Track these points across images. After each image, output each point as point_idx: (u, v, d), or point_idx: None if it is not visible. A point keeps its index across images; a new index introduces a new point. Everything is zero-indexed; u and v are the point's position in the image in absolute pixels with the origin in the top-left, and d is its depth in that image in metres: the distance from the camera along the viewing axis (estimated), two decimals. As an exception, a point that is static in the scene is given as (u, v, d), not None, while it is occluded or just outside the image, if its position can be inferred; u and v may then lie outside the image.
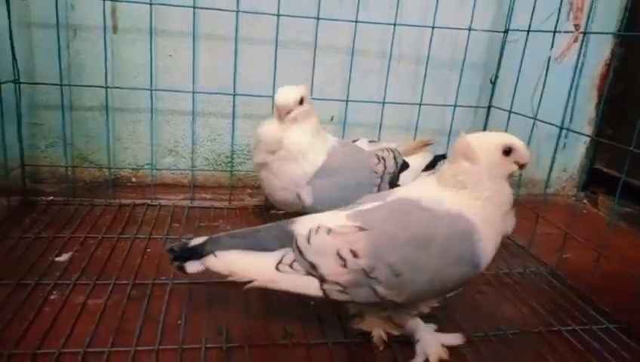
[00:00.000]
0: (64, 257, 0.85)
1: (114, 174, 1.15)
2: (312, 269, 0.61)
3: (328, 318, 0.74)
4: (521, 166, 0.66)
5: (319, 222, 0.64)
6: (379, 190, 0.94)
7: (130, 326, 0.69)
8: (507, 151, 0.64)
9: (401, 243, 0.60)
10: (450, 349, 0.68)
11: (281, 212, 1.06)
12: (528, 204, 1.17)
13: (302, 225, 0.65)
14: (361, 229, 0.61)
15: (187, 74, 1.07)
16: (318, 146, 0.92)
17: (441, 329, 0.72)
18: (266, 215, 1.10)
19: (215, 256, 0.63)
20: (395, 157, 0.98)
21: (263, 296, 0.78)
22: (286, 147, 0.89)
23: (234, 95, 1.09)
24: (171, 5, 1.02)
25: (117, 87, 1.07)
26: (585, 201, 1.42)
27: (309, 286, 0.61)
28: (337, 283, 0.61)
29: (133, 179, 1.17)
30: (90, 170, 1.14)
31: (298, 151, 0.89)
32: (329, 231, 0.62)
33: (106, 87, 1.03)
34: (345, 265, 0.60)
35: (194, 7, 1.02)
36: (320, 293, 0.61)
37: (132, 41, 1.07)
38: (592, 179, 1.44)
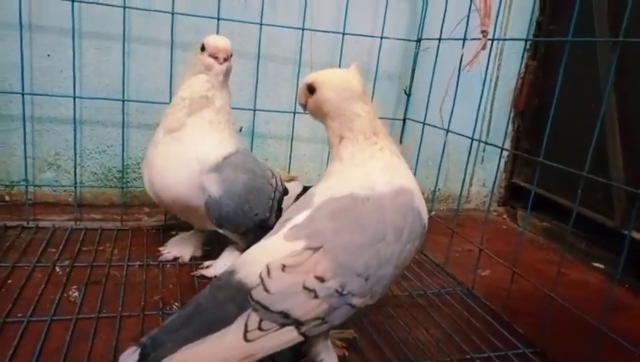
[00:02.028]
0: None
1: (-18, 192, 0.99)
2: (284, 319, 0.51)
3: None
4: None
5: (264, 261, 0.53)
6: (272, 205, 0.86)
7: (-40, 377, 0.56)
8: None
9: (362, 247, 0.53)
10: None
11: (180, 234, 0.95)
12: (446, 219, 1.13)
13: (248, 272, 0.53)
14: (315, 249, 0.53)
15: (69, 76, 0.94)
16: (232, 125, 0.84)
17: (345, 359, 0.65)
18: (163, 237, 0.97)
19: None
20: (280, 179, 0.92)
21: (136, 335, 0.66)
22: (215, 104, 0.79)
23: (123, 101, 0.97)
24: (45, -3, 0.89)
25: (-19, 91, 0.92)
26: (505, 216, 1.40)
27: (288, 339, 0.51)
28: (316, 319, 0.52)
29: (7, 198, 1.01)
30: (-49, 187, 0.98)
31: (226, 112, 0.81)
32: (283, 267, 0.52)
33: (-34, 90, 0.89)
34: (316, 296, 0.51)
35: (72, 1, 0.90)
36: (300, 338, 0.52)
37: (0, 37, 0.93)
38: (512, 194, 1.42)
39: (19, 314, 0.68)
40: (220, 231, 0.83)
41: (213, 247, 0.92)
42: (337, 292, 0.52)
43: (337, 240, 0.53)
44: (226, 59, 0.78)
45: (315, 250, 0.53)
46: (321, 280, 0.51)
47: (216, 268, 0.86)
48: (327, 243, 0.53)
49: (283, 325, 0.51)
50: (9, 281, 0.77)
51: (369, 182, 0.57)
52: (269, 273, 0.52)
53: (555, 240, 1.21)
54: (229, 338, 0.50)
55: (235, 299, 0.52)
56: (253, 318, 0.50)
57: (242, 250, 0.89)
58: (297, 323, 0.51)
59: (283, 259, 0.52)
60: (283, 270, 0.52)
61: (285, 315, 0.51)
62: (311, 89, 0.61)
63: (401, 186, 0.57)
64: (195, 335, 0.49)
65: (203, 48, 0.78)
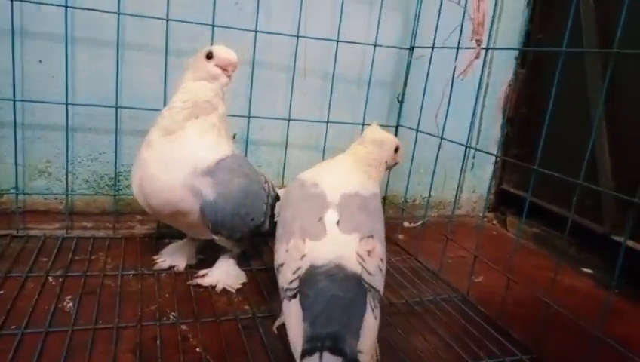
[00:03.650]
0: None
1: (-30, 200, 0.97)
2: (379, 296, 0.60)
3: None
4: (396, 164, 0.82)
5: (349, 251, 0.60)
6: (266, 210, 0.86)
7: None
8: (396, 149, 0.79)
9: (383, 232, 0.68)
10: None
11: (173, 243, 0.95)
12: (438, 225, 1.14)
13: (349, 261, 0.59)
14: (370, 237, 0.63)
15: (61, 83, 0.93)
16: (228, 132, 0.85)
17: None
18: (156, 245, 0.96)
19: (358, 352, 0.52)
20: (273, 186, 0.92)
21: (134, 346, 0.66)
22: (218, 111, 0.80)
23: (117, 107, 0.96)
24: (38, 3, 0.88)
25: (-30, 97, 0.90)
26: (494, 222, 1.42)
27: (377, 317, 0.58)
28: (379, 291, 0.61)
29: (-4, 206, 1.00)
30: (-61, 196, 0.95)
31: (225, 120, 0.82)
32: (368, 253, 0.61)
33: (-44, 97, 0.87)
34: (382, 273, 0.63)
35: (66, 7, 0.89)
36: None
37: (-9, 44, 0.91)
38: (501, 200, 1.44)
39: (12, 326, 0.67)
40: (215, 237, 0.82)
41: (207, 256, 0.92)
42: (381, 268, 0.62)
43: (374, 229, 0.65)
44: (233, 72, 0.79)
45: (370, 237, 0.63)
46: (382, 260, 0.63)
47: (211, 276, 0.85)
48: (373, 232, 0.64)
49: (379, 301, 0.59)
50: (1, 292, 0.75)
51: (365, 185, 0.72)
52: (363, 259, 0.60)
53: (545, 246, 1.23)
54: (371, 320, 0.56)
55: (356, 284, 0.57)
56: (371, 298, 0.57)
57: (236, 258, 0.89)
58: (379, 296, 0.60)
59: (362, 247, 0.61)
60: (369, 255, 0.61)
61: (379, 292, 0.60)
62: None
63: (377, 192, 0.74)
64: (355, 321, 0.54)
65: (209, 56, 0.78)
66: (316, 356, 0.49)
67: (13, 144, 0.93)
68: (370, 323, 0.55)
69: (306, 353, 0.50)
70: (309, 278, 0.57)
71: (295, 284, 0.58)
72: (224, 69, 0.78)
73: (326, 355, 0.49)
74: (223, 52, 0.78)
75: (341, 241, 0.61)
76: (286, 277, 0.59)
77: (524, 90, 1.35)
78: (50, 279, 0.80)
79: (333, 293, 0.55)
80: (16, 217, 0.96)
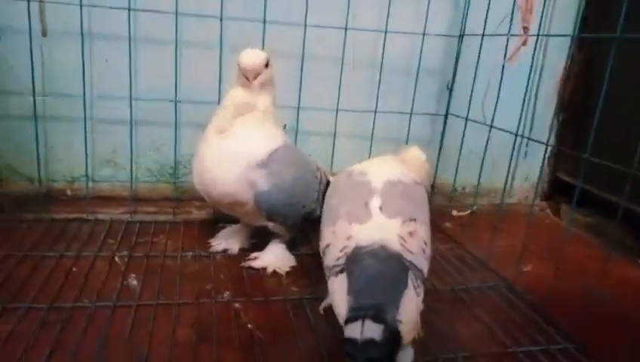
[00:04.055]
0: (-26, 279, 0.77)
1: (47, 187, 1.07)
2: (422, 276, 0.61)
3: (266, 341, 0.68)
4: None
5: (392, 233, 0.62)
6: (317, 198, 0.89)
7: (36, 356, 0.61)
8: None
9: (423, 214, 0.69)
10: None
11: (228, 227, 1.00)
12: (488, 214, 1.13)
13: (392, 242, 0.61)
14: (413, 220, 0.65)
15: (125, 80, 1.00)
16: (278, 123, 0.88)
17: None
18: (212, 229, 1.02)
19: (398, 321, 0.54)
20: (325, 173, 0.95)
21: (192, 321, 0.71)
22: (259, 108, 0.83)
23: (175, 102, 1.02)
24: (104, 7, 0.95)
25: (46, 95, 0.99)
26: (547, 211, 1.38)
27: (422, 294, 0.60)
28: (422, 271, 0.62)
29: (69, 192, 1.09)
30: (20, 183, 1.05)
31: (270, 112, 0.85)
32: (410, 234, 0.63)
33: (34, 95, 0.95)
34: (425, 256, 0.64)
35: (129, 9, 0.95)
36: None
37: (63, 45, 1.00)
38: (555, 189, 1.41)
39: (85, 300, 0.74)
40: (269, 224, 0.87)
41: (259, 240, 0.96)
42: (424, 250, 0.64)
43: (416, 214, 0.66)
44: (255, 78, 0.81)
45: (412, 220, 0.65)
46: (425, 243, 0.65)
47: (263, 259, 0.90)
48: (414, 216, 0.66)
49: (423, 282, 0.61)
50: (74, 269, 0.83)
51: (407, 174, 0.75)
52: (404, 239, 0.62)
53: (599, 236, 1.19)
54: (412, 296, 0.57)
55: (398, 263, 0.60)
56: (413, 276, 0.59)
57: (286, 243, 0.93)
58: (423, 278, 0.61)
59: (403, 229, 0.63)
60: (410, 236, 0.63)
61: (422, 272, 0.61)
62: None
63: (415, 179, 0.76)
64: (396, 295, 0.56)
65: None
66: (359, 322, 0.52)
67: (84, 136, 1.01)
68: (411, 297, 0.57)
69: (349, 320, 0.53)
70: (355, 257, 0.60)
71: (342, 261, 0.61)
72: (245, 76, 0.81)
73: (368, 322, 0.52)
74: (242, 61, 0.81)
75: (385, 225, 0.64)
76: (333, 256, 0.62)
77: (580, 76, 1.30)
78: (117, 259, 0.88)
79: (377, 270, 0.58)
80: (86, 202, 1.04)
